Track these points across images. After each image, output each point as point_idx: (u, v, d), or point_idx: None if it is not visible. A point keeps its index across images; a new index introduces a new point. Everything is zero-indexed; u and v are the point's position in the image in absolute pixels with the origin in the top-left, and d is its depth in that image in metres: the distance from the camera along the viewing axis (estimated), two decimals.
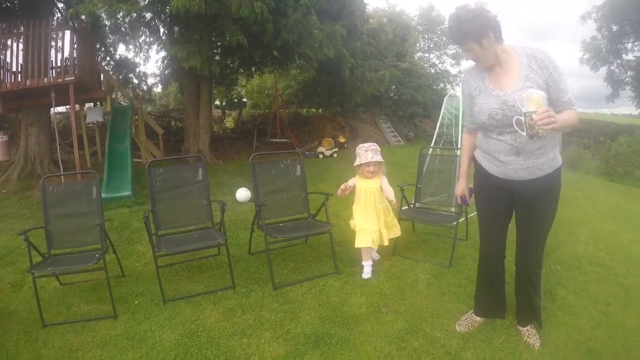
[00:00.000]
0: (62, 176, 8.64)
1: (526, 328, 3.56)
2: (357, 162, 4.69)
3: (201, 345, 3.35)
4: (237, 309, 3.92)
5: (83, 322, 3.79)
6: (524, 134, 2.72)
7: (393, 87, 21.88)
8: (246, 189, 7.34)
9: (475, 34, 2.79)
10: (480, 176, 3.37)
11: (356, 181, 4.78)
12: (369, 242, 4.62)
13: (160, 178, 4.85)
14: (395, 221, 4.98)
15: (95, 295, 4.31)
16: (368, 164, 4.61)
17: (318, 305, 4.00)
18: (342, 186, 4.77)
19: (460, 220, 5.73)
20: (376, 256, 5.12)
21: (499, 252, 3.49)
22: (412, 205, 5.78)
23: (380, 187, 4.73)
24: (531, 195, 3.17)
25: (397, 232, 4.98)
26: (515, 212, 3.34)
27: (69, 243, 4.49)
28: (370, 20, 19.00)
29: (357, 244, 4.68)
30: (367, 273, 4.70)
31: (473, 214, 5.39)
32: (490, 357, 3.23)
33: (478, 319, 3.74)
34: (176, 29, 11.80)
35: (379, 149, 4.73)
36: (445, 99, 7.51)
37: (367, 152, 4.63)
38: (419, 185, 5.87)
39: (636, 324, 3.78)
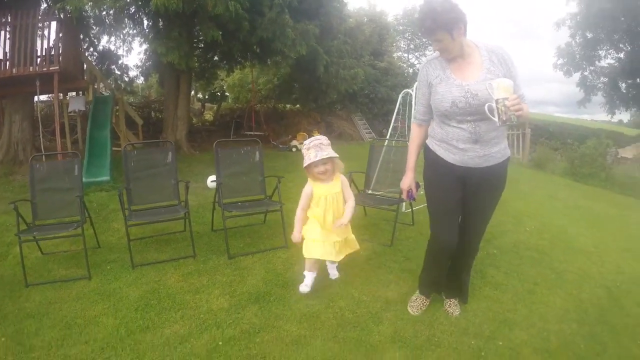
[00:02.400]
0: (47, 157, 9.03)
1: (451, 300, 3.89)
2: (304, 164, 3.78)
3: (160, 299, 3.94)
4: (195, 273, 4.50)
5: (61, 282, 4.35)
6: (496, 119, 2.78)
7: (369, 85, 22.40)
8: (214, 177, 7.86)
9: (449, 26, 2.87)
10: (435, 165, 3.36)
11: (312, 188, 3.89)
12: (325, 254, 3.95)
13: (134, 159, 5.43)
14: (353, 236, 4.20)
15: (73, 262, 4.86)
16: (316, 163, 3.73)
17: (264, 271, 4.57)
18: (296, 235, 3.91)
19: (404, 206, 6.40)
20: (335, 274, 4.41)
21: (454, 237, 3.46)
22: (362, 192, 6.29)
23: (340, 191, 3.94)
24: (483, 182, 3.28)
25: (354, 246, 4.20)
26: (464, 199, 3.40)
27: (52, 215, 5.03)
28: (350, 20, 19.60)
29: (307, 254, 3.94)
30: (306, 286, 4.07)
31: (422, 205, 5.78)
32: (408, 318, 3.70)
33: (428, 300, 3.89)
34: (160, 22, 12.26)
35: (327, 142, 3.82)
36: (401, 95, 8.06)
37: (310, 151, 3.75)
38: (369, 174, 6.45)
39: (560, 303, 4.20)
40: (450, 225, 3.47)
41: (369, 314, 3.79)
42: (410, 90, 7.58)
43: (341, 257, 4.08)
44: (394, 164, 6.46)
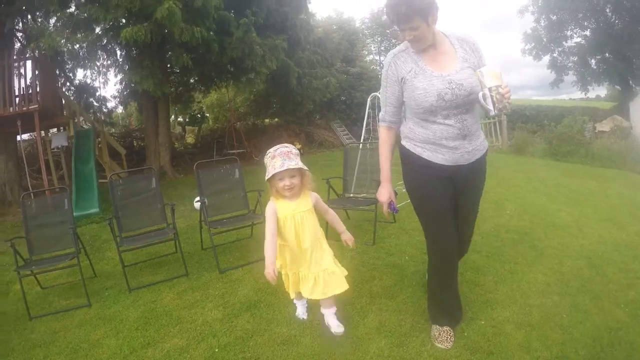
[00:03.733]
0: (37, 194, 9.24)
1: None
2: (267, 174, 3.15)
3: (158, 317, 4.16)
4: (189, 289, 4.72)
5: (63, 312, 4.56)
6: (491, 108, 2.66)
7: (344, 91, 22.71)
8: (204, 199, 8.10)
9: (424, 11, 2.71)
10: (419, 169, 3.10)
11: (275, 206, 3.26)
12: (308, 289, 3.43)
13: (120, 188, 5.70)
14: (338, 269, 3.46)
15: (72, 292, 5.07)
16: (281, 175, 3.12)
17: (254, 281, 4.78)
18: (269, 271, 3.06)
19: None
20: (338, 330, 3.55)
21: (452, 246, 3.25)
22: (341, 196, 6.57)
23: (313, 209, 3.37)
24: (472, 177, 3.16)
25: (341, 284, 3.44)
26: (457, 201, 3.22)
27: (47, 249, 5.25)
28: (319, 29, 19.95)
29: (287, 287, 3.59)
30: (301, 313, 3.86)
31: (404, 202, 5.98)
32: (392, 310, 3.90)
33: (450, 329, 3.44)
34: (133, 51, 12.51)
35: (296, 152, 3.24)
36: (369, 98, 8.35)
37: (275, 160, 3.11)
38: (346, 178, 6.71)
39: (541, 278, 4.38)
40: (451, 233, 3.19)
41: (354, 309, 3.95)
42: (377, 94, 7.85)
43: (319, 295, 3.41)
44: (370, 166, 6.67)
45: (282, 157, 3.12)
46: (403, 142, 3.24)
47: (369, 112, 8.32)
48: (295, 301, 3.89)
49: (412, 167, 3.18)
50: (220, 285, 4.82)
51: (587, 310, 3.74)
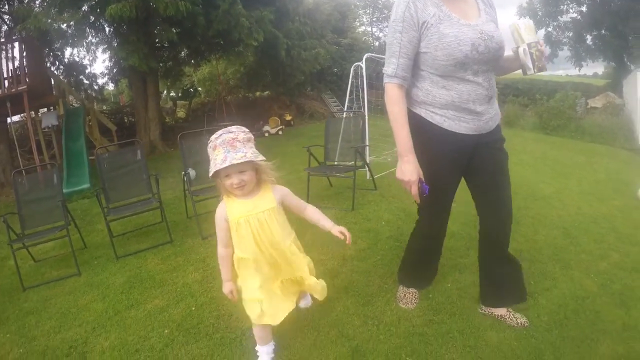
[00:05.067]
0: (28, 172, 9.45)
1: (510, 311, 3.19)
2: (210, 173, 2.41)
3: (142, 281, 4.38)
4: (172, 255, 4.94)
5: (54, 281, 4.77)
6: (531, 66, 2.46)
7: (336, 62, 22.74)
8: (191, 168, 8.27)
9: None
10: (436, 142, 2.67)
11: (224, 209, 2.55)
12: (275, 314, 2.70)
13: (107, 161, 5.91)
14: (315, 281, 2.86)
15: (63, 263, 5.28)
16: (227, 172, 2.38)
17: None
18: (226, 288, 2.70)
19: (368, 174, 6.83)
20: (306, 302, 3.34)
21: (445, 225, 3.10)
22: (322, 164, 6.76)
23: (276, 207, 2.61)
24: (496, 147, 2.82)
25: (316, 290, 2.92)
26: (478, 175, 2.84)
27: (39, 223, 5.46)
28: (310, 0, 19.96)
29: (253, 316, 2.66)
30: None
31: (386, 172, 6.11)
32: (362, 271, 4.05)
33: (416, 291, 3.47)
34: (121, 28, 12.58)
35: (245, 136, 2.42)
36: (352, 68, 8.47)
37: (217, 151, 2.37)
38: (327, 146, 6.90)
39: (514, 245, 4.07)
40: (445, 211, 2.98)
41: (326, 270, 4.09)
42: (360, 63, 8.00)
43: (293, 305, 2.87)
44: (354, 135, 6.87)
45: (224, 148, 2.34)
46: (415, 110, 2.72)
47: (352, 82, 8.44)
48: (258, 348, 2.89)
49: (426, 140, 2.66)
50: (202, 250, 5.02)
51: (555, 278, 3.80)
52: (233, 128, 2.44)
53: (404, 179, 2.59)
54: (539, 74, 2.56)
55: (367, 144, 7.31)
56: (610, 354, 2.83)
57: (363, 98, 8.06)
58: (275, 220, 2.59)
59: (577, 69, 31.00)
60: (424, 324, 3.19)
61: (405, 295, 3.44)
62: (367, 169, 6.82)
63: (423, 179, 2.63)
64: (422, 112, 2.69)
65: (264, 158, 2.45)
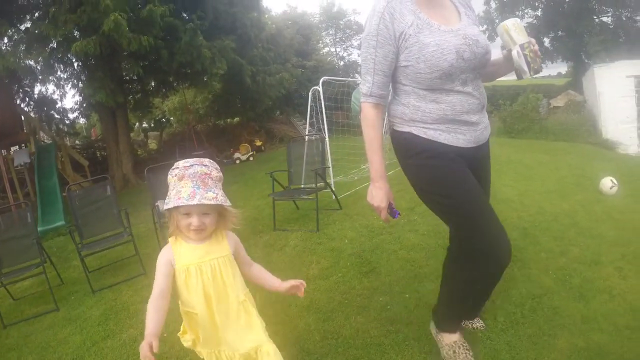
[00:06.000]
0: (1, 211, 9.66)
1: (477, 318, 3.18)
2: (166, 205, 2.08)
3: (117, 312, 4.61)
4: (146, 286, 5.05)
5: (34, 317, 4.97)
6: (527, 69, 2.26)
7: (302, 85, 23.11)
8: (163, 201, 8.47)
9: None
10: (438, 156, 2.41)
11: (171, 251, 2.20)
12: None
13: (78, 198, 6.18)
14: (273, 346, 2.25)
15: (41, 300, 5.48)
16: (188, 210, 2.06)
17: None
18: (143, 350, 1.93)
19: (334, 195, 7.05)
20: None
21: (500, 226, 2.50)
22: (287, 188, 7.01)
23: (230, 255, 2.25)
24: (485, 158, 2.70)
25: None
26: None
27: (15, 261, 5.69)
28: (273, 25, 20.40)
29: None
30: None
31: (349, 192, 6.29)
32: (324, 289, 4.18)
33: (461, 337, 2.90)
34: (88, 62, 12.80)
35: (218, 174, 2.14)
36: (310, 92, 8.76)
37: (183, 183, 2.03)
38: (290, 170, 7.17)
39: None
40: (499, 222, 2.48)
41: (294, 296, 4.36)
42: (317, 87, 8.30)
43: None
44: (315, 157, 7.13)
45: (194, 182, 2.03)
46: (403, 129, 2.50)
47: (311, 106, 8.74)
48: None
49: (422, 157, 2.43)
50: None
51: (513, 279, 3.80)
52: (206, 161, 2.14)
53: (373, 204, 2.49)
54: (521, 78, 2.38)
55: (329, 165, 7.62)
56: (569, 348, 2.88)
57: (322, 120, 8.33)
58: (230, 270, 2.22)
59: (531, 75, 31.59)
60: (381, 334, 3.30)
61: (457, 350, 2.81)
62: (329, 189, 7.05)
63: (393, 204, 2.54)
64: (412, 129, 2.44)
65: (230, 204, 2.15)
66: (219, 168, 2.19)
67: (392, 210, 2.53)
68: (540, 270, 3.97)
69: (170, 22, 11.06)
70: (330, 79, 8.94)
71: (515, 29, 2.29)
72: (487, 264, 2.49)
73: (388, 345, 3.16)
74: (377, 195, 2.47)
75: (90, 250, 5.80)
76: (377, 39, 2.32)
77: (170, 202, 2.05)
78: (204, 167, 2.08)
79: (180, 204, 2.00)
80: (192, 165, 2.07)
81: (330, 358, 3.15)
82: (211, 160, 2.19)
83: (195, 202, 1.98)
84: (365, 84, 2.44)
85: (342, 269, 4.63)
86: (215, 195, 2.04)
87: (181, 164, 2.10)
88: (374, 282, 4.18)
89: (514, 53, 2.28)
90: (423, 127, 2.41)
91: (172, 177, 2.09)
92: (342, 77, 25.01)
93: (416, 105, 2.41)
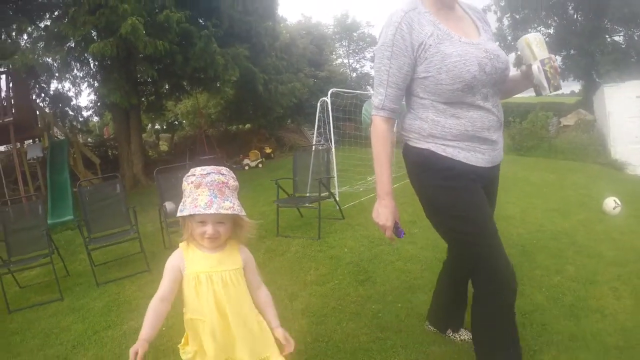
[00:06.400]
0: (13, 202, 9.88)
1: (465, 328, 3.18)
2: (181, 212, 2.03)
3: (120, 305, 4.80)
4: (149, 283, 5.29)
5: (38, 305, 5.18)
6: (547, 86, 2.20)
7: (313, 95, 23.32)
8: (171, 202, 8.53)
9: None
10: (454, 178, 2.32)
11: (182, 258, 2.15)
12: None
13: (88, 194, 6.43)
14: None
15: (47, 289, 5.69)
16: (203, 217, 2.03)
17: None
18: (132, 351, 1.93)
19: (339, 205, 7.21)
20: None
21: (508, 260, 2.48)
22: (291, 196, 7.20)
23: (242, 269, 2.19)
24: (496, 178, 2.65)
25: None
26: None
27: (24, 250, 5.92)
28: (287, 34, 20.64)
29: None
30: None
31: (354, 202, 6.45)
32: (320, 294, 4.31)
33: None
34: (104, 62, 13.06)
35: (234, 184, 2.11)
36: (319, 102, 8.95)
37: (200, 191, 2.01)
38: (295, 178, 7.37)
39: None
40: (505, 256, 2.44)
41: (286, 294, 4.37)
42: (326, 98, 8.49)
43: None
44: (319, 167, 7.31)
45: (211, 190, 2.01)
46: (420, 145, 2.38)
47: (319, 116, 8.91)
48: None
49: (440, 177, 2.33)
50: None
51: None
52: (224, 170, 2.12)
53: (379, 222, 2.38)
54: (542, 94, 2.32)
55: (333, 175, 7.83)
56: None
57: (330, 131, 8.50)
58: (241, 284, 2.17)
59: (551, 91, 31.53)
60: (371, 340, 3.38)
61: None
62: (333, 199, 7.19)
63: (399, 223, 2.42)
64: (430, 146, 2.33)
65: (245, 214, 2.12)
66: (235, 177, 2.16)
67: (397, 230, 2.42)
68: (533, 288, 4.00)
69: (185, 28, 11.28)
70: (339, 91, 9.14)
71: (537, 44, 2.23)
72: (500, 290, 2.44)
73: (375, 351, 3.25)
74: (383, 213, 2.36)
75: (97, 245, 6.01)
76: (392, 50, 2.23)
77: (185, 209, 2.01)
78: (221, 176, 2.06)
79: (197, 212, 1.98)
80: (209, 174, 2.04)
81: (319, 359, 3.28)
82: (228, 169, 2.16)
83: (212, 211, 1.96)
84: (378, 97, 2.33)
85: (339, 276, 4.76)
86: (232, 205, 2.02)
87: (198, 171, 2.06)
88: (369, 290, 4.30)
89: (535, 68, 2.22)
90: (442, 144, 2.31)
91: (188, 184, 2.07)
92: (354, 88, 25.18)
93: (435, 119, 2.30)
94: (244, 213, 2.08)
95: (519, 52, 2.44)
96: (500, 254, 2.39)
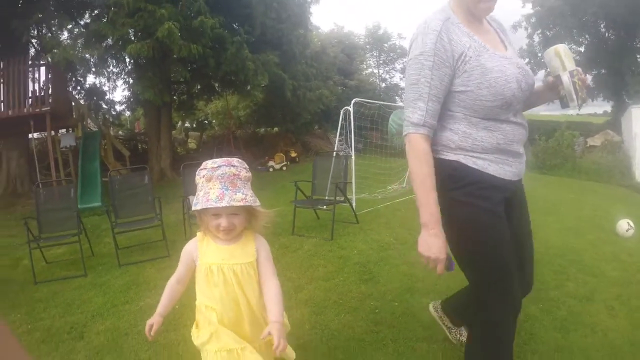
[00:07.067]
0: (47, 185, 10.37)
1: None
2: (195, 207, 2.08)
3: (139, 284, 5.17)
4: (168, 267, 5.56)
5: (63, 279, 5.59)
6: (575, 99, 2.09)
7: (342, 103, 23.67)
8: (193, 195, 8.92)
9: None
10: (481, 194, 2.14)
11: (196, 249, 2.24)
12: None
13: (118, 182, 6.87)
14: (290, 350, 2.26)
15: (72, 266, 6.10)
16: (216, 210, 2.05)
17: None
18: (148, 325, 2.20)
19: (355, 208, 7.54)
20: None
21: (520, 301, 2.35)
22: (309, 198, 7.53)
23: (255, 262, 2.21)
24: (522, 192, 2.44)
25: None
26: (512, 225, 2.26)
27: (54, 229, 6.35)
28: (319, 43, 21.01)
29: None
30: None
31: (369, 209, 6.71)
32: (325, 288, 4.60)
33: None
34: (140, 61, 13.56)
35: (247, 174, 2.13)
36: (342, 111, 9.23)
37: (212, 184, 2.04)
38: (314, 182, 7.69)
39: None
40: (515, 279, 2.26)
41: (293, 285, 4.64)
42: (349, 108, 8.80)
43: None
44: (342, 172, 7.63)
45: (222, 183, 2.03)
46: (448, 157, 2.19)
47: (342, 124, 9.21)
48: None
49: (468, 192, 2.13)
50: None
51: None
52: (235, 161, 2.10)
53: (430, 255, 2.06)
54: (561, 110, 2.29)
55: (350, 181, 8.16)
56: None
57: (351, 139, 8.79)
58: (253, 277, 2.18)
59: (578, 109, 31.13)
60: (364, 332, 3.62)
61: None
62: (348, 203, 7.47)
63: (450, 254, 2.15)
64: (459, 157, 2.16)
65: (259, 204, 2.11)
66: (247, 168, 2.15)
67: (449, 262, 2.12)
68: (528, 300, 3.60)
69: (219, 33, 11.71)
70: (362, 101, 9.43)
71: (566, 55, 2.12)
72: (502, 325, 2.30)
73: (367, 342, 3.48)
74: (435, 244, 2.05)
75: (123, 229, 6.41)
76: (434, 60, 2.04)
77: (198, 203, 2.04)
78: (232, 168, 2.05)
79: (209, 206, 1.99)
80: (219, 167, 2.05)
81: (314, 344, 3.49)
82: (240, 160, 2.14)
83: (224, 204, 1.98)
84: (417, 112, 2.08)
85: (345, 274, 5.04)
86: (244, 197, 2.02)
87: (209, 164, 2.09)
88: (371, 288, 4.53)
89: (565, 78, 2.09)
90: (473, 157, 2.14)
91: (199, 177, 2.10)
92: (382, 99, 25.34)
93: (467, 132, 2.14)
94: (257, 203, 2.08)
95: (545, 63, 2.26)
96: (510, 280, 2.22)
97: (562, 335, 3.41)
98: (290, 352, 2.29)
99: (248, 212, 2.15)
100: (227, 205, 1.98)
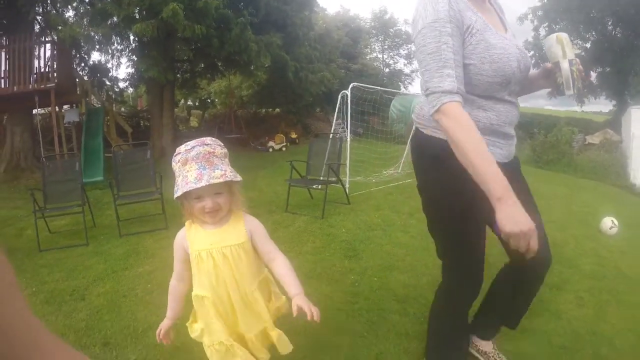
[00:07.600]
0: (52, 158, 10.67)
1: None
2: (176, 192, 2.01)
3: (138, 253, 5.47)
4: (165, 238, 5.92)
5: (66, 247, 5.90)
6: (572, 86, 2.04)
7: (344, 86, 23.80)
8: None
9: None
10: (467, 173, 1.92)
11: (185, 236, 2.18)
12: None
13: (121, 157, 7.16)
14: (278, 333, 2.26)
15: (74, 236, 6.41)
16: (198, 193, 2.00)
17: None
18: (161, 329, 2.24)
19: (348, 189, 7.83)
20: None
21: (482, 280, 2.47)
22: (304, 177, 7.80)
23: (246, 242, 2.16)
24: (517, 171, 2.38)
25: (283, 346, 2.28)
26: None
27: (59, 200, 6.66)
28: (324, 25, 21.13)
29: None
30: None
31: (363, 192, 6.98)
32: (312, 260, 4.86)
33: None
34: (144, 39, 13.75)
35: (222, 151, 2.08)
36: (340, 95, 9.47)
37: (189, 167, 1.97)
38: (309, 162, 7.96)
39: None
40: (483, 259, 2.37)
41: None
42: (347, 92, 9.03)
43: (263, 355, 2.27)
44: (336, 154, 7.85)
45: (198, 163, 1.97)
46: (439, 134, 2.12)
47: (339, 108, 9.44)
48: None
49: (456, 171, 1.91)
50: None
51: (482, 289, 3.80)
52: (208, 140, 2.06)
53: (522, 229, 1.71)
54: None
55: (344, 163, 8.45)
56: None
57: (347, 122, 9.04)
58: (243, 259, 2.13)
59: (580, 105, 31.40)
60: (342, 302, 3.87)
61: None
62: (340, 184, 7.72)
63: None
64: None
65: (240, 179, 2.06)
66: (222, 145, 2.11)
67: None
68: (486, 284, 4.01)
69: (223, 13, 11.94)
70: (361, 86, 9.64)
71: (567, 44, 2.07)
72: (465, 291, 2.49)
73: (344, 310, 3.71)
74: (521, 214, 1.73)
75: (124, 201, 6.70)
76: (451, 26, 1.90)
77: (178, 189, 1.97)
78: (206, 147, 2.00)
79: (189, 189, 1.92)
80: (193, 147, 2.00)
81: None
82: (213, 138, 2.11)
83: (203, 183, 1.90)
84: (446, 79, 1.88)
85: (331, 250, 5.31)
86: (223, 172, 1.96)
87: (182, 148, 2.03)
88: (353, 264, 4.79)
89: (565, 65, 2.05)
90: None
91: (175, 163, 2.04)
92: (385, 84, 25.54)
93: (474, 111, 2.05)
94: (239, 178, 2.04)
95: (544, 50, 2.20)
96: (477, 260, 2.34)
97: (527, 319, 3.28)
98: (288, 344, 2.30)
99: (231, 191, 2.09)
100: (207, 184, 1.91)
